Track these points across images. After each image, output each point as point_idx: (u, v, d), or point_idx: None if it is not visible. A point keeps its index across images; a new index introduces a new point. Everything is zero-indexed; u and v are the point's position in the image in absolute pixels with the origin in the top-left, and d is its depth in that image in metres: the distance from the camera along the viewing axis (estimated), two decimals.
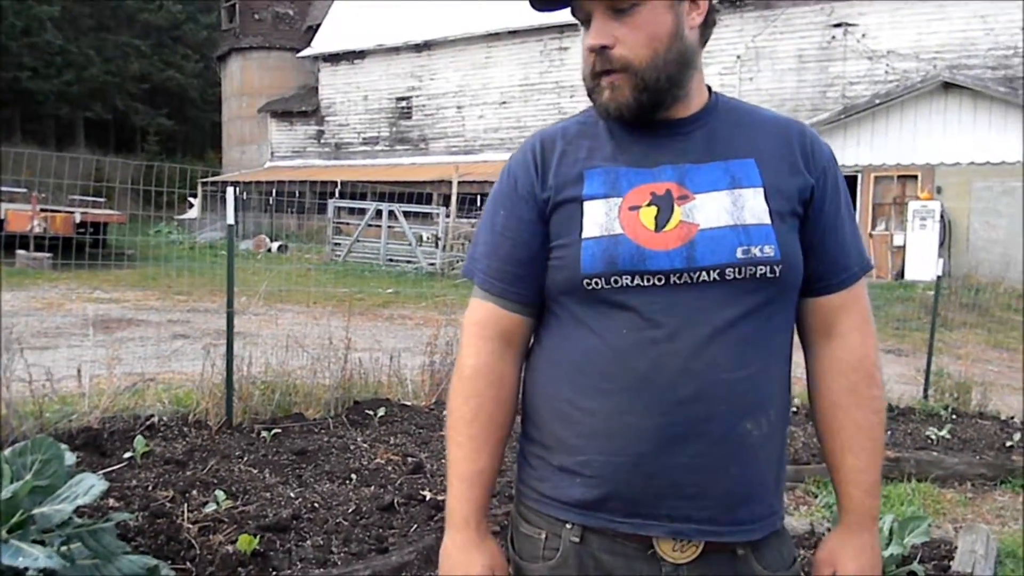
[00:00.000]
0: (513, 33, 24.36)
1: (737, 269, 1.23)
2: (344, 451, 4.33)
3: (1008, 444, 5.41)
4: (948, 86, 16.26)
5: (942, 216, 15.87)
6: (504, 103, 25.08)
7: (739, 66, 20.50)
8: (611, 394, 1.25)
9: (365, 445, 4.45)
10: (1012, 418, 6.23)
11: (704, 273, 1.23)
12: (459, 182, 19.92)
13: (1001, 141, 15.72)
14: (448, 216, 18.12)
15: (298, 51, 30.69)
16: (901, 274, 16.04)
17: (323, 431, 4.63)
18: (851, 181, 17.00)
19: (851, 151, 16.89)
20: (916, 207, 15.95)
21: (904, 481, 4.65)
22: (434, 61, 26.56)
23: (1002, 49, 17.77)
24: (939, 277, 7.00)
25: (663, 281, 1.23)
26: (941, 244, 15.81)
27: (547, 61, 24.17)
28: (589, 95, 1.33)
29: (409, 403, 5.25)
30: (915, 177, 16.57)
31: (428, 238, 17.96)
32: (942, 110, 16.37)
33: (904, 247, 16.16)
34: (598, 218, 1.26)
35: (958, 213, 16.16)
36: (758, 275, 1.24)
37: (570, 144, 1.35)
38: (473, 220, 17.77)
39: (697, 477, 1.24)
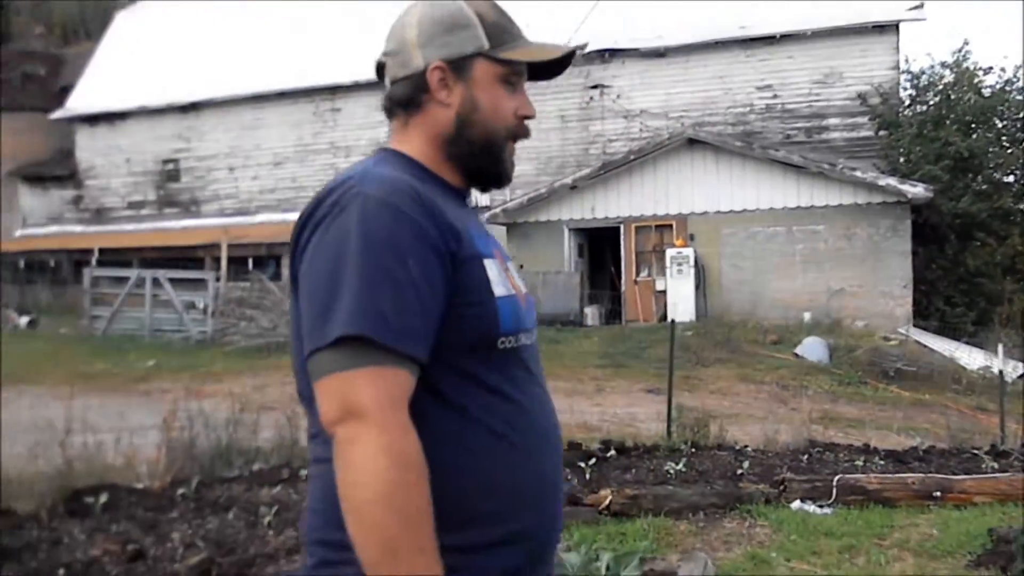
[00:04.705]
0: (282, 95, 23.91)
1: (535, 330, 1.37)
2: (55, 545, 3.94)
3: (739, 472, 5.81)
4: (693, 142, 17.70)
5: (696, 261, 17.13)
6: (279, 164, 24.49)
7: None
8: (533, 457, 1.26)
9: (82, 537, 4.08)
10: (745, 447, 6.72)
11: (533, 332, 1.34)
12: (232, 245, 19.21)
13: (741, 190, 17.28)
14: (219, 280, 17.34)
15: (50, 112, 28.62)
16: (664, 316, 17.09)
17: (34, 525, 4.19)
18: (614, 232, 18.06)
19: (612, 204, 17.95)
20: (673, 254, 17.13)
21: (641, 516, 4.85)
22: (202, 123, 25.56)
23: (739, 107, 19.68)
24: (672, 321, 7.50)
25: (529, 339, 1.31)
26: (697, 287, 17.04)
27: (320, 122, 23.93)
28: (493, 153, 1.32)
29: (141, 486, 4.88)
30: (671, 226, 17.83)
31: (198, 305, 17.09)
32: (689, 164, 17.78)
33: (665, 291, 17.26)
34: (495, 276, 1.26)
35: (710, 258, 17.51)
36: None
37: (434, 198, 1.23)
38: (244, 284, 17.11)
39: (559, 520, 1.34)
